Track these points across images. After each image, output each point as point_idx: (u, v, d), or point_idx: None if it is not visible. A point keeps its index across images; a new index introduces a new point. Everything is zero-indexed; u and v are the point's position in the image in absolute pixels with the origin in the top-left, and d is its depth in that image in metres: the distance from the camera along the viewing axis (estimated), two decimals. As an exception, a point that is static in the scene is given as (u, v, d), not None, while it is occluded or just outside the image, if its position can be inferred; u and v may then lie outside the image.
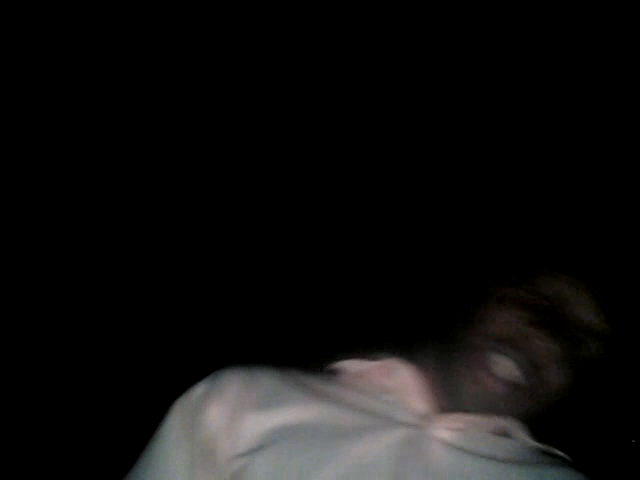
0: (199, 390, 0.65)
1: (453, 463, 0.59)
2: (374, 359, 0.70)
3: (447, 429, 0.62)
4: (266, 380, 0.65)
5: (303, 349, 1.01)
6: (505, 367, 0.61)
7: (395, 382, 0.66)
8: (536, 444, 0.65)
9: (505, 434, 0.64)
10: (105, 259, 1.16)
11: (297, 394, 0.64)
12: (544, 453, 0.64)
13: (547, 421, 0.67)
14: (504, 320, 0.64)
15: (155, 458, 0.63)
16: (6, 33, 1.00)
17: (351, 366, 0.71)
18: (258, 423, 0.61)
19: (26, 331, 1.09)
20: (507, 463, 0.60)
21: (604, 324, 0.64)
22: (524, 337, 0.62)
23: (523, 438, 0.65)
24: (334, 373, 0.71)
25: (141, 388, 1.05)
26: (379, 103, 1.14)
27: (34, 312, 1.10)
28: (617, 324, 0.65)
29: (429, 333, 0.71)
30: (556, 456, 0.64)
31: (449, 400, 0.64)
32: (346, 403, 0.64)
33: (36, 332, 1.10)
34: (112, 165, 1.15)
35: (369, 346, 0.72)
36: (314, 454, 0.58)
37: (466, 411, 0.62)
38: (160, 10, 1.06)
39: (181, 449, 0.62)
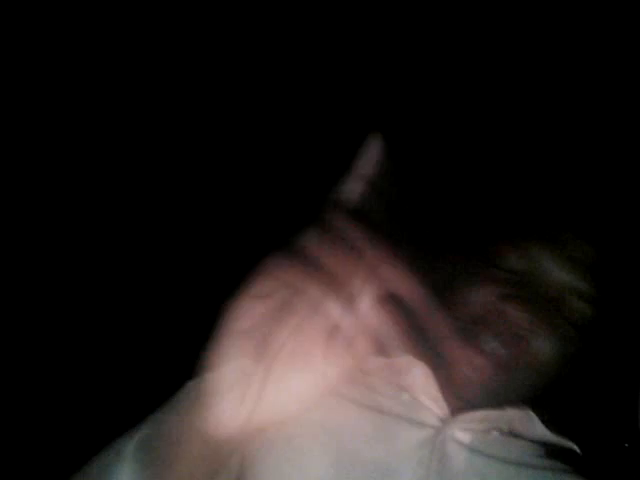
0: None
1: (470, 466, 0.59)
2: (385, 356, 0.68)
3: (463, 430, 0.62)
4: None
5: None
6: (487, 344, 0.61)
7: (409, 381, 0.66)
8: (549, 437, 0.64)
9: (520, 427, 0.64)
10: (99, 259, 1.15)
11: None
12: (557, 451, 0.64)
13: (554, 398, 0.67)
14: (477, 300, 0.63)
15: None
16: (6, 33, 0.99)
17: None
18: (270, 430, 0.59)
19: (23, 331, 1.08)
20: (521, 466, 0.60)
21: (582, 281, 0.63)
22: (500, 312, 0.61)
23: (537, 432, 0.64)
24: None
25: (136, 390, 1.03)
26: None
27: (32, 312, 1.09)
28: (599, 280, 0.64)
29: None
30: (569, 451, 0.64)
31: (456, 395, 0.64)
32: (362, 403, 0.64)
33: (32, 332, 1.08)
34: (108, 164, 1.15)
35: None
36: (335, 455, 0.58)
37: (475, 406, 0.62)
38: (160, 10, 1.06)
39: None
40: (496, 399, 0.63)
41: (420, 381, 0.65)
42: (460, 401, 0.63)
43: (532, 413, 0.65)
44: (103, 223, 1.13)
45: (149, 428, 0.56)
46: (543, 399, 0.66)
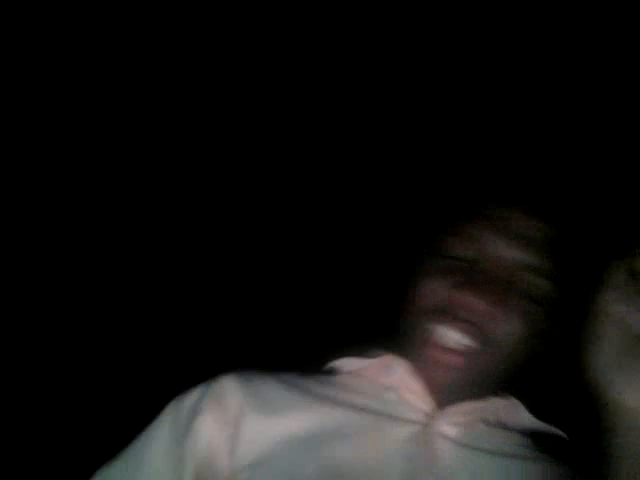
0: (195, 395, 0.64)
1: (459, 460, 0.59)
2: (369, 357, 0.69)
3: (450, 424, 0.62)
4: (265, 387, 0.64)
5: (290, 350, 1.01)
6: (451, 337, 0.61)
7: (393, 379, 0.65)
8: (535, 424, 0.65)
9: (505, 416, 0.65)
10: (98, 261, 1.15)
11: (297, 400, 0.63)
12: (544, 438, 0.64)
13: (537, 383, 0.66)
14: (431, 292, 0.63)
15: (140, 455, 0.61)
16: (6, 33, 0.99)
17: (347, 365, 0.70)
18: (260, 433, 0.59)
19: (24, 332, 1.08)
20: (509, 457, 0.61)
21: (534, 256, 0.63)
22: (456, 301, 0.61)
23: (522, 420, 0.65)
24: (330, 373, 0.70)
25: (135, 390, 1.04)
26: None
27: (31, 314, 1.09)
28: (552, 252, 0.64)
29: (384, 325, 0.71)
30: (555, 437, 0.65)
31: (439, 390, 0.63)
32: (348, 405, 0.63)
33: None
34: (108, 165, 1.15)
35: (358, 343, 0.72)
36: (321, 462, 0.57)
37: (459, 399, 0.62)
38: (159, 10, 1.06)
39: (169, 454, 0.60)
40: (477, 388, 0.63)
41: (404, 379, 0.64)
42: (443, 395, 0.63)
43: (516, 401, 0.66)
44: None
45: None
46: (526, 385, 0.66)
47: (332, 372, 0.71)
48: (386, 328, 0.68)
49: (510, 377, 0.64)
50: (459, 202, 0.68)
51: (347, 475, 0.56)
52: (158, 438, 0.61)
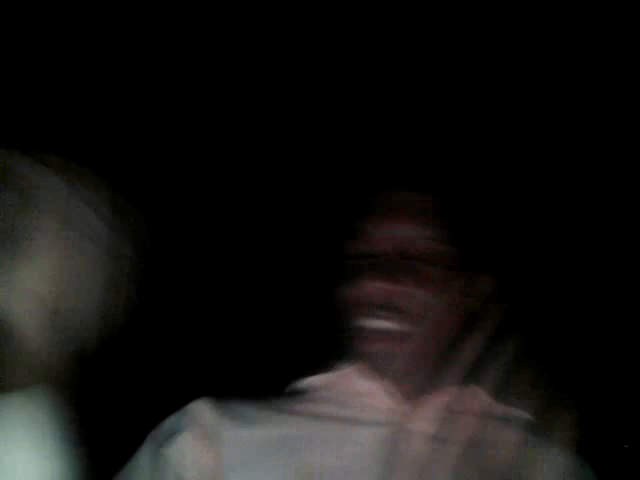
0: (171, 421, 0.65)
1: (435, 455, 0.59)
2: (334, 370, 0.70)
3: (423, 420, 0.63)
4: (237, 406, 0.66)
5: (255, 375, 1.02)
6: (379, 326, 0.63)
7: (359, 386, 0.67)
8: (500, 409, 0.66)
9: (475, 404, 0.65)
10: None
11: (270, 415, 0.64)
12: (509, 422, 0.65)
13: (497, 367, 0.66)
14: (352, 293, 0.65)
15: None
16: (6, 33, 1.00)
17: (315, 381, 0.71)
18: (237, 442, 0.61)
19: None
20: (483, 445, 0.61)
21: (425, 227, 0.66)
22: (372, 293, 0.63)
23: (487, 407, 0.66)
24: (300, 392, 0.71)
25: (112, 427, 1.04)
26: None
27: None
28: (445, 220, 0.67)
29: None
30: (523, 419, 0.65)
31: (400, 384, 0.65)
32: (319, 416, 0.64)
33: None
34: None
35: (320, 359, 0.73)
36: (296, 467, 0.58)
37: (425, 393, 0.64)
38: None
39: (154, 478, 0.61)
40: (435, 373, 0.63)
41: (369, 383, 0.66)
42: (408, 390, 0.64)
43: (477, 388, 0.67)
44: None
45: None
46: (486, 370, 0.67)
47: (300, 391, 0.72)
48: (336, 340, 0.69)
49: (457, 351, 0.65)
50: (351, 202, 0.72)
51: (322, 479, 0.57)
52: (139, 468, 0.63)
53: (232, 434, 0.62)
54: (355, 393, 0.67)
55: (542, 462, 0.58)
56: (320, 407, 0.66)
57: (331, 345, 0.71)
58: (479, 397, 0.67)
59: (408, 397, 0.64)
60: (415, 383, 0.64)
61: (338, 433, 0.62)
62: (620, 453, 1.09)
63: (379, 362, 0.63)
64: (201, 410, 0.64)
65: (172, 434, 0.62)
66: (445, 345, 0.64)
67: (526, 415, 0.66)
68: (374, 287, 0.63)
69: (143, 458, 0.63)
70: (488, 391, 0.66)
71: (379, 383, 0.65)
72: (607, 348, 1.11)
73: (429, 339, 0.63)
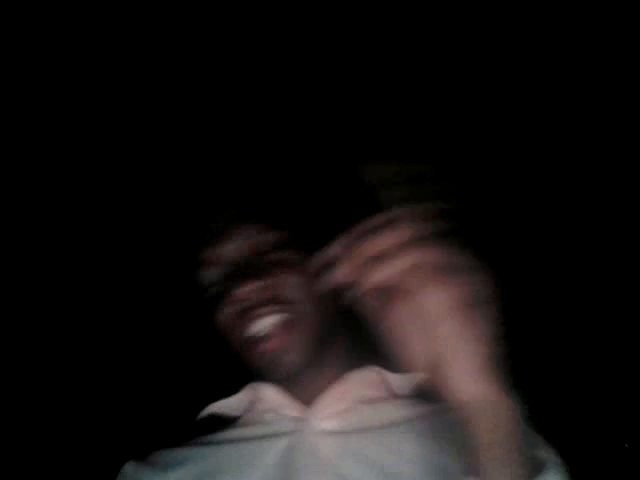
0: None
1: (345, 448, 0.61)
2: (235, 393, 0.73)
3: (325, 418, 0.64)
4: (157, 456, 0.69)
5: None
6: (258, 326, 0.64)
7: (264, 401, 0.69)
8: (404, 381, 0.67)
9: (376, 388, 0.67)
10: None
11: (187, 454, 0.67)
12: (418, 392, 0.67)
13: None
14: (224, 314, 0.66)
15: None
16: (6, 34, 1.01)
17: (220, 406, 0.74)
18: None
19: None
20: (394, 426, 0.62)
21: (256, 230, 0.68)
22: (245, 296, 0.64)
23: (394, 383, 0.68)
24: (210, 419, 0.74)
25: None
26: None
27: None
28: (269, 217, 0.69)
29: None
30: (424, 392, 0.66)
31: (297, 387, 0.67)
32: (230, 441, 0.67)
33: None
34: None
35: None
36: None
37: (323, 389, 0.65)
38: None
39: None
40: (323, 361, 0.66)
41: (269, 396, 0.68)
42: (306, 390, 0.66)
43: (376, 367, 0.68)
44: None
45: None
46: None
47: (210, 418, 0.75)
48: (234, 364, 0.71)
49: (341, 330, 0.68)
50: (188, 237, 0.73)
51: None
52: None
53: None
54: (262, 409, 0.69)
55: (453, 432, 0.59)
56: (231, 433, 0.69)
57: (234, 370, 0.73)
58: (382, 377, 0.68)
59: (308, 397, 0.66)
60: (312, 380, 0.66)
61: (247, 454, 0.64)
62: (620, 453, 1.10)
63: (273, 365, 0.64)
64: (128, 468, 0.68)
65: None
66: (330, 325, 0.67)
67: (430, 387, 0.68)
68: (240, 295, 0.64)
69: None
70: (389, 368, 0.68)
71: (279, 393, 0.68)
72: (607, 348, 1.12)
73: (313, 318, 0.65)
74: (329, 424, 0.64)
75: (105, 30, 1.04)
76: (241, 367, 0.70)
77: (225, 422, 0.73)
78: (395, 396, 0.68)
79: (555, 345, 1.13)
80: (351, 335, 0.72)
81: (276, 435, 0.65)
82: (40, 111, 1.08)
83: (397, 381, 0.69)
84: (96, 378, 1.12)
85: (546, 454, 0.51)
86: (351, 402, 0.65)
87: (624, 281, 1.14)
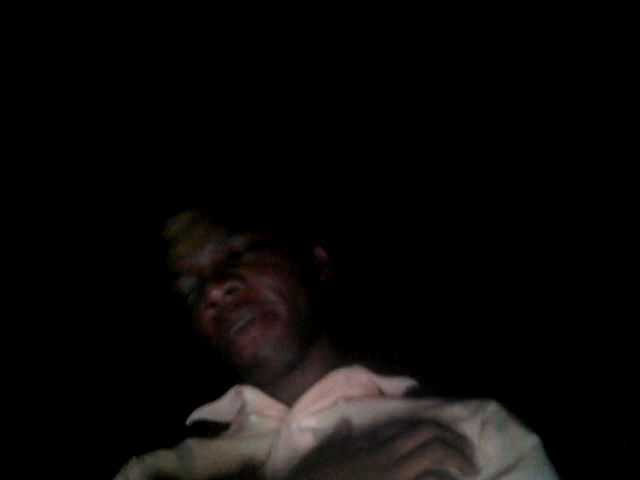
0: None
1: (327, 445, 0.61)
2: (220, 398, 0.72)
3: (307, 416, 0.64)
4: (156, 462, 0.68)
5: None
6: (245, 321, 0.64)
7: (248, 403, 0.68)
8: (384, 382, 0.68)
9: (358, 386, 0.67)
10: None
11: (184, 465, 0.66)
12: (400, 397, 0.67)
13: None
14: (202, 316, 0.66)
15: None
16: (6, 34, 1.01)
17: (205, 410, 0.73)
18: None
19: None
20: (375, 423, 0.62)
21: (215, 231, 0.68)
22: (215, 301, 0.64)
23: (372, 383, 0.68)
24: (196, 423, 0.73)
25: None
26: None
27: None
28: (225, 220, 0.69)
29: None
30: (413, 394, 0.67)
31: (284, 390, 0.67)
32: (214, 444, 0.67)
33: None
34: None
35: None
36: None
37: (306, 388, 0.65)
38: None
39: None
40: (304, 356, 0.66)
41: (252, 397, 0.68)
42: (286, 389, 0.66)
43: (357, 366, 0.68)
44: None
45: None
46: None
47: (198, 424, 0.74)
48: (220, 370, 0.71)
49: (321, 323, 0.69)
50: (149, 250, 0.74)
51: None
52: None
53: None
54: (247, 412, 0.68)
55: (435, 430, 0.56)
56: (217, 435, 0.70)
57: (217, 375, 0.73)
58: (363, 375, 0.68)
59: (292, 398, 0.66)
60: (296, 380, 0.66)
61: (231, 459, 0.64)
62: (620, 453, 1.09)
63: (257, 367, 0.64)
64: (129, 467, 0.68)
65: None
66: (313, 325, 0.67)
67: (412, 381, 0.69)
68: (215, 299, 0.64)
69: None
70: (371, 368, 0.68)
71: (262, 395, 0.67)
72: (606, 348, 1.11)
73: (291, 317, 0.65)
74: (309, 422, 0.63)
75: (101, 30, 1.05)
76: (225, 372, 0.69)
77: (210, 426, 0.73)
78: (382, 396, 0.68)
79: (555, 345, 1.12)
80: (336, 335, 0.72)
81: (259, 436, 0.65)
82: (31, 112, 1.08)
83: (384, 382, 0.69)
84: (84, 382, 1.12)
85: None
86: (333, 400, 0.65)
87: (624, 282, 1.14)
